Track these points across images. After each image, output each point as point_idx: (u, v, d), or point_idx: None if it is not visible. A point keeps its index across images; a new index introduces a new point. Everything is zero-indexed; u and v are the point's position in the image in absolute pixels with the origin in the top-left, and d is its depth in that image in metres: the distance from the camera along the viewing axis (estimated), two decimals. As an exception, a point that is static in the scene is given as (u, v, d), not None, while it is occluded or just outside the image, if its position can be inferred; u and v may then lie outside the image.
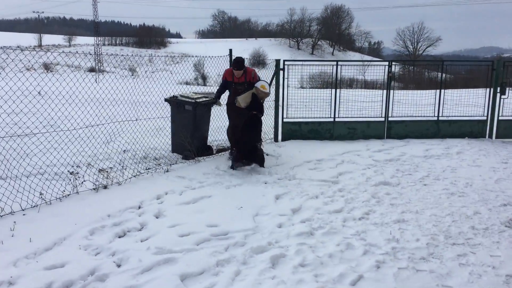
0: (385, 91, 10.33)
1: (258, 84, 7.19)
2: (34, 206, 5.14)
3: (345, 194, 5.88)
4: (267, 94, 7.24)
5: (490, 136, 10.55)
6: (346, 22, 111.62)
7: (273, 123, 10.03)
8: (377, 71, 10.71)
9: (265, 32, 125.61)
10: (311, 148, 8.98)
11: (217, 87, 7.95)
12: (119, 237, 4.39)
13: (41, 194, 5.41)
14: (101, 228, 4.54)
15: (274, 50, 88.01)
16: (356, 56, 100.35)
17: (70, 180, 6.05)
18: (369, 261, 3.86)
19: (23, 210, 5.03)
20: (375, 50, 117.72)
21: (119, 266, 3.77)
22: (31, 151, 6.77)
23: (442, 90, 10.56)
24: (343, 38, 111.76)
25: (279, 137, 9.88)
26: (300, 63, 10.64)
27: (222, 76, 7.57)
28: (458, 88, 17.41)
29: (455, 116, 10.75)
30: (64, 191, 5.64)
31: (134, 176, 6.49)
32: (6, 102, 6.79)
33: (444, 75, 11.67)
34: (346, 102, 11.37)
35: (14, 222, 4.60)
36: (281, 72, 9.75)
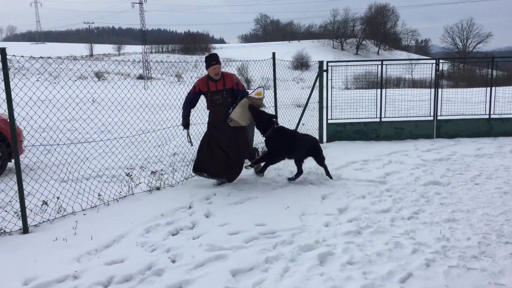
0: (433, 90, 10.12)
1: (252, 93, 6.24)
2: (93, 207, 5.48)
3: (393, 194, 5.84)
4: (262, 100, 6.36)
5: (547, 134, 10.09)
6: (391, 20, 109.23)
7: (317, 125, 10.06)
8: (425, 70, 10.51)
9: (308, 34, 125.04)
10: (357, 148, 8.94)
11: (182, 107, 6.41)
12: (173, 235, 4.60)
13: (99, 195, 5.74)
14: (156, 226, 4.77)
15: (317, 51, 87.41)
16: (403, 54, 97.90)
17: (126, 182, 6.37)
18: (418, 260, 3.85)
19: (83, 210, 5.36)
20: (422, 48, 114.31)
21: (173, 261, 3.96)
22: (90, 155, 7.18)
23: (494, 88, 10.21)
24: (388, 37, 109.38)
25: (324, 139, 9.90)
26: (344, 63, 10.62)
27: (192, 87, 6.23)
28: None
29: (508, 114, 10.36)
30: (121, 192, 5.95)
31: (186, 179, 6.75)
32: (66, 109, 7.23)
33: (495, 72, 11.28)
34: (393, 102, 11.22)
35: (76, 221, 4.92)
36: (325, 73, 9.78)
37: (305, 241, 4.28)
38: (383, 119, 9.99)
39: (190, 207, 5.46)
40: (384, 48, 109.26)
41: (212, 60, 6.04)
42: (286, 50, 74.00)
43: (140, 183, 6.36)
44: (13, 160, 7.34)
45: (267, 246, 4.23)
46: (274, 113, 6.48)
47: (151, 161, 7.77)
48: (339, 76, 10.29)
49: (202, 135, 6.54)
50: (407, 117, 10.28)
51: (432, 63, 10.22)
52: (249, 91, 6.33)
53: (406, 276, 3.57)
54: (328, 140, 9.88)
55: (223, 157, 6.21)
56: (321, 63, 9.85)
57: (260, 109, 6.34)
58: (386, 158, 8.00)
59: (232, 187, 6.26)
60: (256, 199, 5.73)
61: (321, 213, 5.11)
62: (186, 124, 6.34)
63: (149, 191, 6.13)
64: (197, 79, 6.30)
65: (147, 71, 55.35)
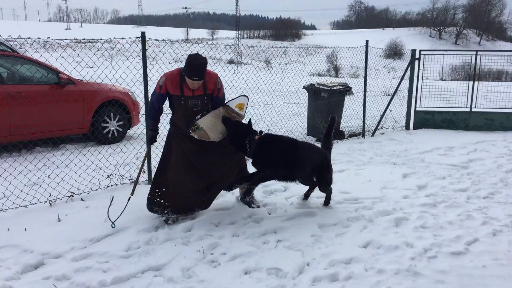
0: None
1: (232, 103, 4.61)
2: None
3: (473, 177, 6.16)
4: (242, 117, 4.68)
5: None
6: (497, 9, 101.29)
7: (404, 112, 10.34)
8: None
9: (404, 22, 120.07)
10: (443, 136, 9.15)
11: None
12: (269, 195, 5.42)
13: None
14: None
15: (412, 40, 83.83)
16: (507, 46, 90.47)
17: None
18: (486, 230, 4.29)
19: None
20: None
21: (269, 213, 4.77)
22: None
23: None
24: (492, 26, 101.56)
25: (411, 125, 10.17)
26: (438, 52, 10.71)
27: (156, 86, 4.49)
28: None
29: None
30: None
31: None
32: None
33: None
34: (485, 93, 11.09)
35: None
36: (416, 62, 10.00)
37: (384, 208, 4.88)
38: (473, 109, 10.01)
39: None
40: (486, 38, 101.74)
41: (195, 74, 4.26)
42: (380, 38, 71.97)
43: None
44: (132, 128, 8.72)
45: (349, 209, 4.89)
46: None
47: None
48: (435, 66, 10.42)
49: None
50: (498, 108, 10.19)
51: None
52: (229, 100, 4.70)
53: (473, 240, 4.05)
54: (415, 127, 10.13)
55: (197, 181, 4.52)
56: (413, 51, 10.06)
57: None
58: (472, 146, 8.17)
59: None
60: (340, 172, 6.37)
61: (401, 188, 5.64)
62: (153, 137, 4.72)
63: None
64: (163, 75, 4.51)
65: (238, 56, 57.30)
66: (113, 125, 8.11)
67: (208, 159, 4.55)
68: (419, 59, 9.99)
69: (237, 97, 4.65)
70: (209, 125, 4.42)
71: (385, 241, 4.03)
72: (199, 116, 4.43)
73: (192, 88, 4.40)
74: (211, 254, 3.83)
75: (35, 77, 7.25)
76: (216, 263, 3.70)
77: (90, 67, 6.44)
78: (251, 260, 3.69)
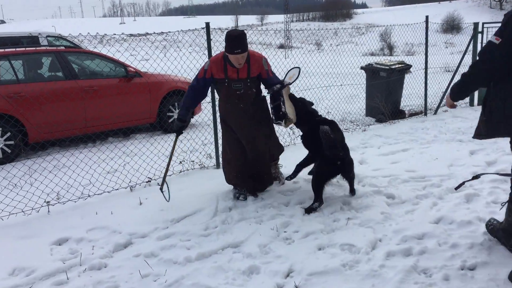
0: None
1: (287, 78, 4.59)
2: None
3: (546, 152, 5.93)
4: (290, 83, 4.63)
5: None
6: None
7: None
8: None
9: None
10: None
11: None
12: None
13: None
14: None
15: (471, 12, 79.48)
16: None
17: (288, 134, 7.49)
18: None
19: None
20: None
21: (335, 193, 4.89)
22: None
23: None
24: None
25: (475, 102, 9.83)
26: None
27: (200, 71, 4.48)
28: None
29: None
30: (285, 142, 7.09)
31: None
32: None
33: None
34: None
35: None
36: (479, 36, 9.61)
37: (453, 185, 4.82)
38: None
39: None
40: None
41: (236, 47, 4.14)
42: (435, 12, 68.79)
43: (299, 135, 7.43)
44: (194, 116, 9.06)
45: (417, 187, 4.90)
46: None
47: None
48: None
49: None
50: None
51: None
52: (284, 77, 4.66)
53: (550, 214, 3.97)
54: (480, 103, 9.78)
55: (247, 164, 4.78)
56: (476, 24, 9.68)
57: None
58: (544, 120, 7.80)
59: (382, 141, 6.93)
60: (404, 152, 6.34)
61: (469, 165, 5.55)
62: (180, 128, 4.60)
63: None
64: (207, 61, 4.55)
65: (288, 40, 56.94)
66: (174, 114, 8.49)
67: (246, 136, 4.64)
68: (482, 32, 9.61)
69: (289, 70, 4.62)
70: (291, 112, 4.55)
71: (456, 216, 4.04)
72: (284, 108, 4.47)
73: (238, 66, 4.30)
74: (285, 232, 4.02)
75: (104, 72, 7.73)
76: (290, 240, 3.88)
77: (146, 60, 6.77)
78: (324, 237, 3.84)
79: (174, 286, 3.20)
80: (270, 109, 4.73)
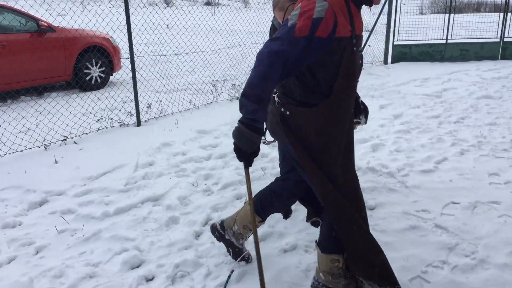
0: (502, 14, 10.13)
1: None
2: (187, 109, 6.70)
3: (445, 105, 6.52)
4: None
5: None
6: None
7: (383, 47, 10.53)
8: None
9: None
10: (420, 68, 9.44)
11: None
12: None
13: (190, 102, 6.93)
14: (239, 123, 5.89)
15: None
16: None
17: (211, 92, 7.51)
18: (455, 150, 4.68)
19: (179, 112, 6.60)
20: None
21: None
22: (177, 71, 8.36)
23: None
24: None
25: (389, 60, 10.40)
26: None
27: (299, 23, 1.91)
28: None
29: None
30: (208, 99, 7.13)
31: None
32: (142, 33, 8.35)
33: None
34: (462, 24, 11.30)
35: (176, 119, 6.17)
36: (394, -5, 10.07)
37: (362, 136, 5.22)
38: (449, 41, 10.25)
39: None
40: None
41: None
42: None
43: (222, 92, 7.49)
44: (114, 74, 8.77)
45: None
46: None
47: (229, 78, 8.85)
48: (415, 1, 10.53)
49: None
50: (473, 38, 10.45)
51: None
52: None
53: (442, 159, 4.44)
54: (393, 61, 10.37)
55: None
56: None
57: None
58: (447, 76, 8.50)
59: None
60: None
61: (378, 118, 5.97)
62: (252, 145, 1.98)
63: (230, 100, 7.24)
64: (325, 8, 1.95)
65: (214, -3, 55.41)
66: (95, 72, 8.15)
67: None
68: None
69: None
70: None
71: (362, 164, 4.39)
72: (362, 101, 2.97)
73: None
74: (205, 184, 4.15)
75: (13, 26, 7.18)
76: (209, 191, 4.02)
77: (63, 17, 6.43)
78: (241, 188, 4.02)
79: (92, 239, 3.23)
80: None
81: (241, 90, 1.99)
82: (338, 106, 2.14)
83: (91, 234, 3.27)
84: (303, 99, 2.16)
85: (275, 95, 2.28)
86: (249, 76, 1.94)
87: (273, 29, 3.28)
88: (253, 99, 1.90)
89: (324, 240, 2.44)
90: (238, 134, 1.98)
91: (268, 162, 4.60)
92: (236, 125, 2.00)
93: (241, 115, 1.99)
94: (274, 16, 3.10)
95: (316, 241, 2.53)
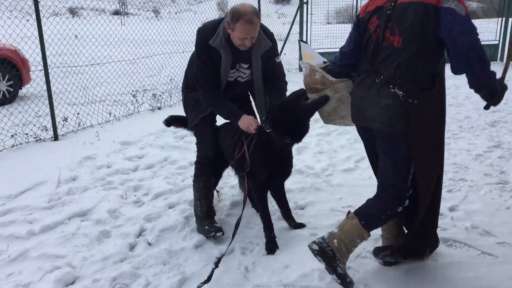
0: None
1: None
2: (107, 121, 6.50)
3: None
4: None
5: None
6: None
7: (297, 56, 10.99)
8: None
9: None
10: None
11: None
12: (180, 139, 5.68)
13: (110, 113, 6.73)
14: (163, 132, 5.82)
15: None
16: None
17: (132, 103, 7.33)
18: (371, 149, 5.04)
19: (99, 124, 6.38)
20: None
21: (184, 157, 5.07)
22: (91, 82, 8.03)
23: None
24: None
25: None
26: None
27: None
28: None
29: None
30: (128, 110, 6.96)
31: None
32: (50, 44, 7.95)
33: None
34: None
35: (96, 131, 5.96)
36: (305, 6, 10.55)
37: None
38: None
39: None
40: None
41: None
42: (267, -16, 72.32)
43: (143, 103, 7.35)
44: (23, 87, 8.23)
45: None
46: None
47: (149, 88, 8.70)
48: (321, 11, 11.09)
49: None
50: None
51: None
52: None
53: (360, 158, 4.75)
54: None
55: None
56: (301, -5, 10.58)
57: None
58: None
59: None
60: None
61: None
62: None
63: (152, 110, 7.14)
64: None
65: (123, 6, 53.98)
66: (3, 85, 7.60)
67: None
68: (307, 2, 10.56)
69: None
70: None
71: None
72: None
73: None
74: (134, 195, 4.07)
75: None
76: (140, 202, 3.96)
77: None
78: (173, 196, 4.02)
79: (19, 259, 3.04)
80: None
81: (480, 77, 2.31)
82: (442, 81, 2.47)
83: (18, 254, 3.08)
84: (428, 82, 2.38)
85: (395, 89, 2.36)
86: (480, 61, 2.19)
87: None
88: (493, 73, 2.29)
89: (371, 217, 2.59)
90: (503, 90, 2.40)
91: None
92: (496, 88, 2.34)
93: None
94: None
95: (349, 212, 2.64)
